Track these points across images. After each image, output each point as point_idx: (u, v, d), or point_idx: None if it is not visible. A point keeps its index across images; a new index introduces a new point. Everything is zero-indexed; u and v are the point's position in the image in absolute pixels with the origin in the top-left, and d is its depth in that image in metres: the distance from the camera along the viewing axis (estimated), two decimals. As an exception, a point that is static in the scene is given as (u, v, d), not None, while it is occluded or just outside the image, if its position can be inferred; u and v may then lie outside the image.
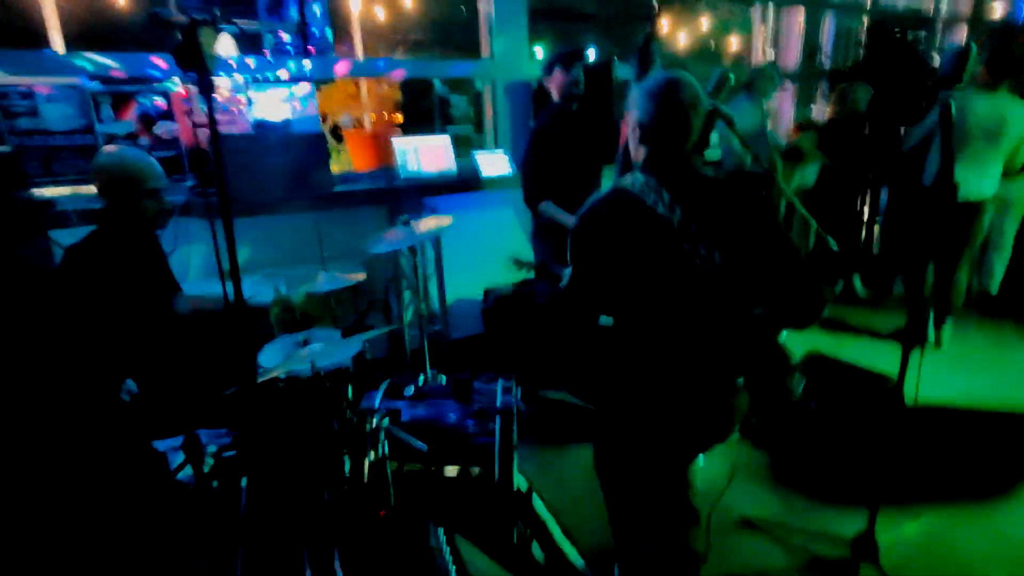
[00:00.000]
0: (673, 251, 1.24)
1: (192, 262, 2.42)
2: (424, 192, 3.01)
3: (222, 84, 2.72)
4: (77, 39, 2.62)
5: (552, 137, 2.57)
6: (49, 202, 2.32)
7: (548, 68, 2.61)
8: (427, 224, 2.30)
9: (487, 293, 3.21)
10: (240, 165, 2.48)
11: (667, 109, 1.26)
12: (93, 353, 1.82)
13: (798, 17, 4.69)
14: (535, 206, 2.58)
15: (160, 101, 2.63)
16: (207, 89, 0.96)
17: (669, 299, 1.29)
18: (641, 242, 1.26)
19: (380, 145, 3.21)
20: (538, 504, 2.12)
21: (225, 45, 3.23)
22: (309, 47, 2.73)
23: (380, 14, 5.03)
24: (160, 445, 1.94)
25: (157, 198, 1.85)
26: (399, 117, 4.08)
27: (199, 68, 0.92)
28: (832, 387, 2.38)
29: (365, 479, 1.70)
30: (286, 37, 2.73)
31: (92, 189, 2.50)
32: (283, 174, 2.61)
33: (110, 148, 1.85)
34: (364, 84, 3.46)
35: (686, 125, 1.27)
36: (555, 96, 2.61)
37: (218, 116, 2.53)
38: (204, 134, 2.51)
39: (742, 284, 1.28)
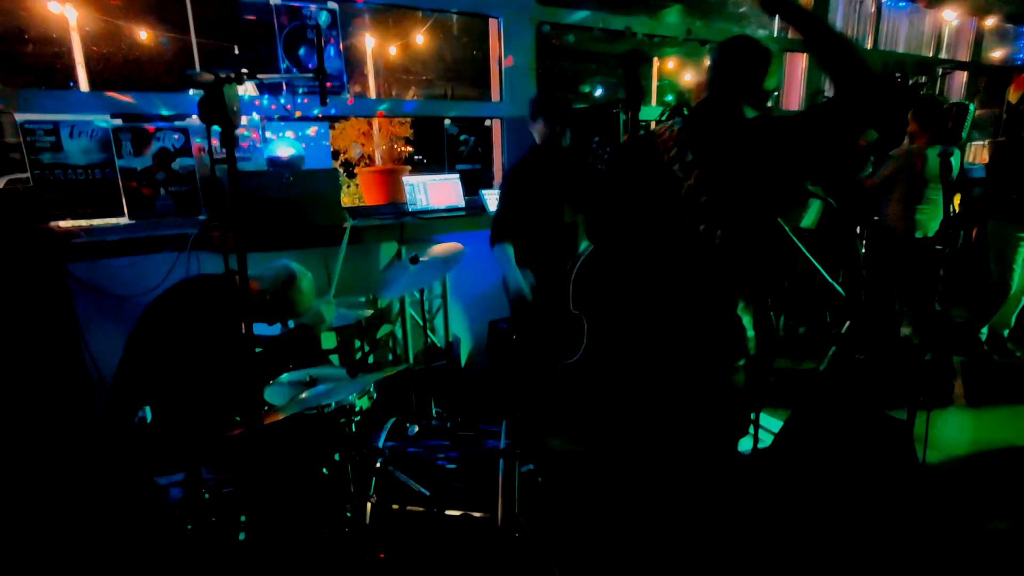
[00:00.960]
0: (672, 217, 1.27)
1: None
2: (433, 228, 3.05)
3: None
4: (101, 78, 2.72)
5: (523, 179, 2.59)
6: (67, 234, 2.38)
7: (533, 115, 2.60)
8: (436, 253, 2.32)
9: (492, 329, 3.22)
10: (253, 200, 2.54)
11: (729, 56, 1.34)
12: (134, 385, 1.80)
13: (800, 62, 4.81)
14: (493, 246, 2.59)
15: (178, 138, 2.71)
16: (229, 140, 0.99)
17: (655, 263, 1.33)
18: (645, 196, 1.31)
19: (390, 181, 3.27)
20: (539, 550, 2.08)
21: (246, 87, 3.34)
22: (325, 85, 2.81)
23: (393, 53, 5.20)
24: (161, 480, 1.93)
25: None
26: (409, 148, 4.17)
27: (222, 122, 0.96)
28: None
29: (367, 520, 1.69)
30: (304, 78, 2.82)
31: (108, 222, 2.58)
32: (295, 209, 2.66)
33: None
34: (376, 121, 3.55)
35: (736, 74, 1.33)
36: (537, 140, 2.63)
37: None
38: (219, 170, 2.57)
39: (736, 264, 1.29)
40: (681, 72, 6.17)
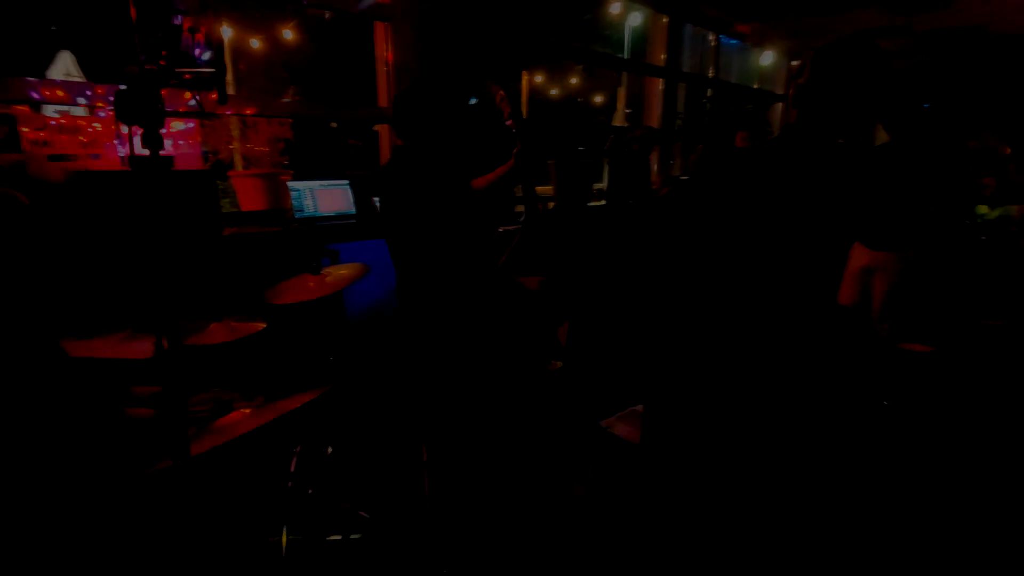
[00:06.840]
0: None
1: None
2: (325, 237, 2.88)
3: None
4: None
5: None
6: None
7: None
8: (339, 272, 2.22)
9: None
10: (110, 205, 2.20)
11: None
12: None
13: (657, 85, 5.36)
14: None
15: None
16: (154, 141, 0.87)
17: None
18: None
19: (271, 186, 3.02)
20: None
21: (68, 70, 2.89)
22: (224, 80, 2.54)
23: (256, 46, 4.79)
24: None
25: None
26: (285, 159, 3.89)
27: (148, 121, 0.84)
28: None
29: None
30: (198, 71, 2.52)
31: None
32: (163, 214, 2.35)
33: None
34: (250, 122, 3.28)
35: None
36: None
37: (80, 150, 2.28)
38: (57, 169, 2.20)
39: None
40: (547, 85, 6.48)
